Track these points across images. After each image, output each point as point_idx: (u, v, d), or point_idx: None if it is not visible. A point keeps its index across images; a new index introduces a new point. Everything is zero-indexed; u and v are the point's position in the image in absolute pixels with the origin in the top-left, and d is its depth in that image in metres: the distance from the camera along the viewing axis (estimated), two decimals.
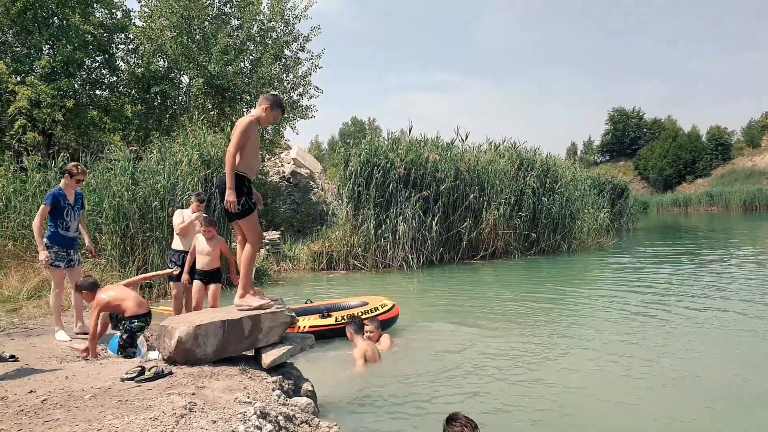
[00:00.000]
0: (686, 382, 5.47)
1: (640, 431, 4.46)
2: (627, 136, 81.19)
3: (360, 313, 7.44)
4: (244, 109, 18.71)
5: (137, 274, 9.90)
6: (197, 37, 17.28)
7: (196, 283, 6.77)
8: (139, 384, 3.85)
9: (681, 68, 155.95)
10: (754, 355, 6.35)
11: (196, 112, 14.08)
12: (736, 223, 36.28)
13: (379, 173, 14.93)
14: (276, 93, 5.56)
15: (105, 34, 16.40)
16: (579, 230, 19.21)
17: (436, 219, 15.15)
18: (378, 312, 7.60)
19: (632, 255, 17.72)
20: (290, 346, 4.57)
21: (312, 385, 4.61)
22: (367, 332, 6.65)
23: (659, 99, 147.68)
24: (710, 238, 24.78)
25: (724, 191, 56.13)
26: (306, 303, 8.18)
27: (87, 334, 5.98)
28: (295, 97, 19.56)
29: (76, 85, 15.89)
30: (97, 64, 16.89)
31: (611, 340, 7.05)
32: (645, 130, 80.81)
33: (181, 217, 7.20)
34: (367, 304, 7.91)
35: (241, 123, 4.52)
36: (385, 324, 7.55)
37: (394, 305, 7.88)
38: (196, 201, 7.29)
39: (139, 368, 4.06)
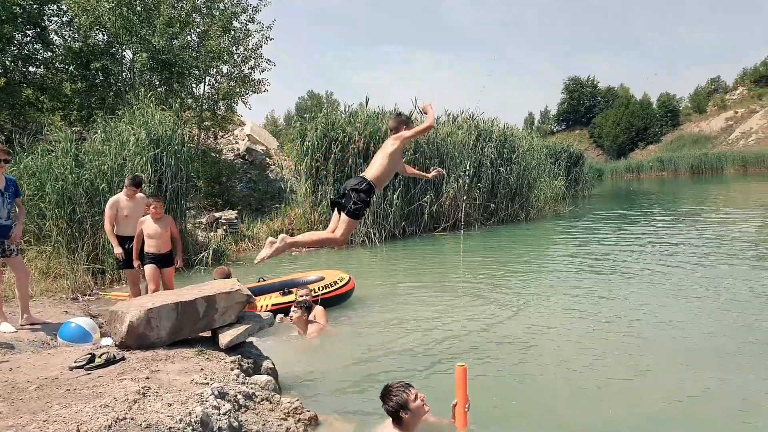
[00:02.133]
0: (644, 333, 5.75)
1: (602, 389, 4.56)
2: (582, 104, 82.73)
3: (319, 288, 7.38)
4: (193, 85, 18.10)
5: (88, 260, 9.57)
6: (138, 8, 16.31)
7: (150, 267, 6.55)
8: (89, 372, 3.73)
9: (635, 38, 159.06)
10: (705, 305, 6.66)
11: (142, 89, 13.41)
12: (684, 187, 37.70)
13: (337, 148, 14.71)
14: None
15: (35, 6, 15.33)
16: (536, 199, 19.52)
17: (397, 193, 15.08)
18: (336, 286, 7.56)
19: (587, 221, 18.25)
20: (248, 326, 4.49)
21: (273, 363, 4.57)
22: (301, 295, 6.63)
23: (614, 69, 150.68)
24: (661, 201, 25.69)
25: (674, 157, 58.11)
26: (259, 281, 8.03)
27: (34, 324, 5.74)
28: (246, 71, 18.99)
29: (6, 62, 14.94)
30: (28, 38, 15.81)
31: (568, 300, 7.19)
32: (599, 98, 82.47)
33: (115, 208, 6.93)
34: (323, 278, 7.85)
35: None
36: (342, 297, 7.61)
37: (350, 279, 7.86)
38: (131, 186, 6.99)
39: (89, 355, 3.91)
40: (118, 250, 6.90)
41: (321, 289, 7.45)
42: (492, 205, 17.48)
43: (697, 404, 4.26)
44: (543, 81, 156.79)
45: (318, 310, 6.62)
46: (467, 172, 16.81)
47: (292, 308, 6.24)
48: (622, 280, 8.63)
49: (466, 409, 3.68)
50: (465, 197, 16.67)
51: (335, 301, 7.56)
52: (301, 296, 6.64)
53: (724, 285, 7.71)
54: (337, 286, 7.64)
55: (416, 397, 3.52)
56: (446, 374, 4.80)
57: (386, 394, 3.58)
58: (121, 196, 7.08)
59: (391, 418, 3.57)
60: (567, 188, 25.10)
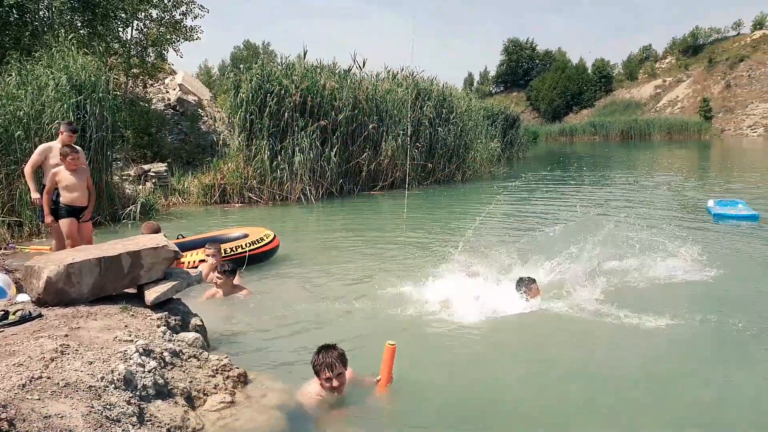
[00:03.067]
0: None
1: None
2: (521, 67, 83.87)
3: (245, 245, 7.31)
4: (119, 29, 17.01)
5: (3, 212, 9.04)
6: None
7: (68, 220, 6.24)
8: (1, 329, 3.56)
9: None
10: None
11: (63, 30, 12.46)
12: (614, 150, 39.41)
13: (272, 101, 14.33)
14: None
15: None
16: (472, 160, 19.85)
17: (334, 150, 14.94)
18: (261, 243, 7.53)
19: (521, 181, 18.77)
20: (175, 282, 4.40)
21: (201, 320, 4.51)
22: (207, 255, 6.50)
23: (553, 32, 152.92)
24: (591, 164, 26.78)
25: (605, 121, 60.31)
26: (178, 238, 7.80)
27: None
28: (177, 17, 18.08)
29: None
30: None
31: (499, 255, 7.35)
32: (537, 61, 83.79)
33: (44, 155, 6.54)
34: (247, 235, 7.77)
35: None
36: (266, 255, 7.60)
37: (274, 236, 7.83)
38: (67, 131, 6.60)
39: (2, 312, 3.73)
40: (35, 195, 6.55)
41: (248, 245, 7.37)
42: (429, 165, 17.65)
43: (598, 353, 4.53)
44: (484, 41, 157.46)
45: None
46: (406, 131, 16.84)
47: (216, 275, 6.02)
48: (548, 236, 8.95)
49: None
50: (403, 156, 16.75)
51: (260, 258, 7.53)
52: (209, 254, 6.48)
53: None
54: (263, 243, 7.59)
55: (328, 379, 3.61)
56: (372, 333, 4.91)
57: (320, 349, 3.71)
58: (54, 144, 6.66)
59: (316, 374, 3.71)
60: (503, 150, 25.67)
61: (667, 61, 76.18)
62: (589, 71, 76.14)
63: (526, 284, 5.75)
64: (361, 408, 3.78)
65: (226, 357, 3.86)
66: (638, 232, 7.36)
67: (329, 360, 3.63)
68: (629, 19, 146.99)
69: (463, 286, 6.14)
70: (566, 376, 4.26)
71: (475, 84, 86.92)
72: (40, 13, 15.48)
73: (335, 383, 3.63)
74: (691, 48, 74.21)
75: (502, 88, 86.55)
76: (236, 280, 6.19)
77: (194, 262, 6.94)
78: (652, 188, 15.65)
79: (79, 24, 15.50)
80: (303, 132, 14.51)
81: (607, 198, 13.87)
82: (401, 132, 16.66)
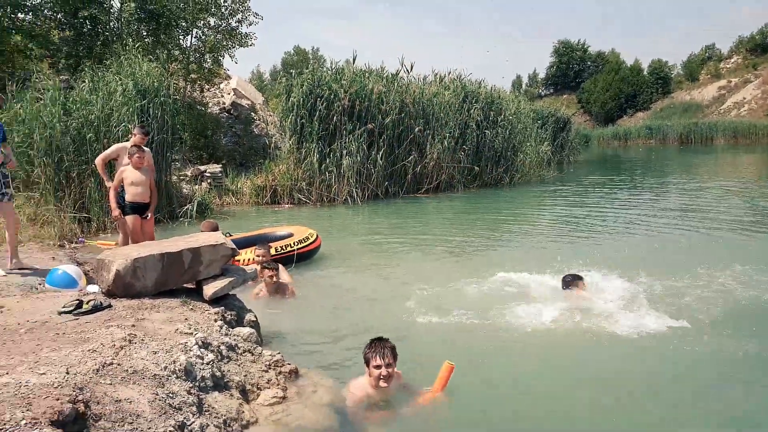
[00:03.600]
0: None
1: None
2: (571, 69, 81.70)
3: (293, 244, 7.54)
4: (180, 37, 17.80)
5: (74, 208, 9.65)
6: None
7: (133, 217, 6.63)
8: (76, 317, 3.85)
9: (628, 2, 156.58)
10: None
11: (130, 40, 13.24)
12: (672, 155, 37.90)
13: (322, 105, 14.64)
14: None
15: None
16: (521, 163, 19.64)
17: (381, 152, 15.13)
18: (307, 242, 7.75)
19: (572, 186, 18.51)
20: (232, 278, 4.61)
21: (255, 316, 4.69)
22: (257, 256, 6.62)
23: (605, 32, 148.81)
24: (648, 169, 25.89)
25: (663, 125, 57.70)
26: (226, 236, 8.08)
27: (23, 269, 5.87)
28: (233, 24, 18.78)
29: None
30: None
31: (547, 261, 7.33)
32: (589, 63, 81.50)
33: (117, 154, 6.96)
34: (292, 234, 8.00)
35: None
36: (310, 254, 7.82)
37: (317, 236, 8.05)
38: (139, 133, 7.01)
39: (77, 301, 4.04)
40: (108, 183, 6.96)
41: (296, 244, 7.62)
42: (476, 168, 17.61)
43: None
44: (533, 42, 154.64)
45: (280, 268, 6.66)
46: (452, 134, 16.86)
47: (262, 271, 6.18)
48: (599, 244, 8.90)
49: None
50: (449, 159, 16.78)
51: (305, 256, 7.76)
52: (258, 255, 6.63)
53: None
54: (309, 242, 7.82)
55: (378, 366, 3.67)
56: (419, 333, 5.01)
57: (373, 340, 3.81)
58: (128, 144, 7.10)
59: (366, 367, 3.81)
60: (553, 153, 25.23)
61: (732, 60, 72.43)
62: (645, 72, 73.44)
63: (569, 282, 5.81)
64: (409, 411, 3.78)
65: (279, 353, 4.01)
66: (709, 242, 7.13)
67: (381, 349, 3.72)
68: (690, 18, 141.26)
69: (514, 289, 6.19)
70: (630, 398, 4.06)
71: (523, 86, 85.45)
72: (111, 24, 16.44)
73: (384, 372, 3.67)
74: (759, 46, 70.24)
75: (552, 91, 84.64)
76: (284, 277, 6.42)
77: (247, 260, 7.22)
78: (719, 196, 14.92)
79: (145, 33, 16.37)
80: (351, 135, 14.78)
81: (672, 205, 13.48)
82: (447, 135, 16.69)
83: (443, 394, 3.82)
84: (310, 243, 7.86)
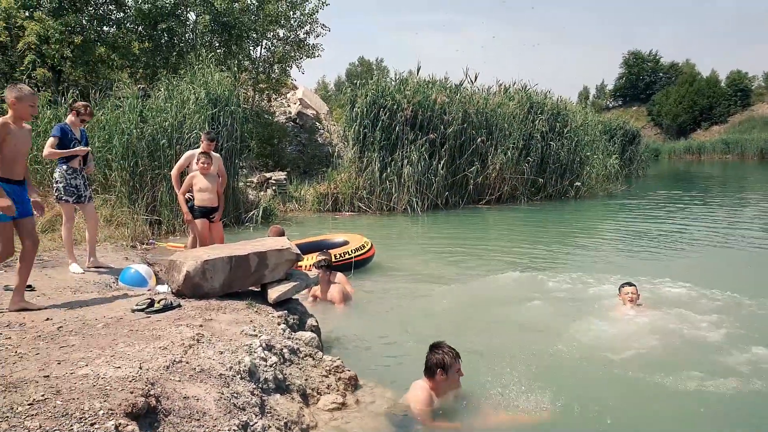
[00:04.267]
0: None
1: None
2: (642, 80, 78.73)
3: (351, 251, 7.60)
4: (250, 48, 18.44)
5: (146, 211, 10.10)
6: None
7: (201, 221, 6.85)
8: (148, 315, 4.01)
9: (702, 9, 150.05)
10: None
11: (203, 50, 13.89)
12: (751, 171, 35.79)
13: (385, 115, 14.77)
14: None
15: None
16: (587, 176, 19.09)
17: (442, 162, 15.08)
18: (364, 250, 7.82)
19: (640, 201, 17.80)
20: (296, 283, 4.69)
21: (316, 321, 4.74)
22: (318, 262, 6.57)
23: (678, 42, 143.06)
24: (723, 186, 24.59)
25: (741, 139, 54.51)
26: None
27: (99, 267, 6.18)
28: (301, 36, 19.29)
29: (83, 21, 15.66)
30: None
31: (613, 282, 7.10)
32: (661, 74, 78.30)
33: (188, 161, 7.21)
34: (348, 242, 8.06)
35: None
36: (365, 262, 7.88)
37: (371, 245, 8.10)
38: (206, 140, 7.24)
39: (149, 300, 4.21)
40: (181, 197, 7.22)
41: (353, 252, 7.69)
42: (540, 180, 17.25)
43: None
44: (601, 53, 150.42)
45: (340, 276, 6.69)
46: (516, 145, 16.59)
47: (317, 257, 6.43)
48: (668, 263, 8.51)
49: None
50: (512, 170, 16.52)
51: (360, 264, 7.81)
52: (320, 261, 6.68)
53: None
54: (364, 250, 7.90)
55: (458, 370, 3.71)
56: (473, 345, 4.93)
57: (436, 347, 3.76)
58: (197, 151, 7.35)
59: (426, 373, 3.74)
60: (621, 167, 24.39)
61: None
62: (723, 84, 69.77)
63: (622, 288, 5.81)
64: (468, 424, 3.71)
65: (339, 359, 4.04)
66: None
67: (448, 356, 3.71)
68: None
69: (575, 305, 6.03)
70: None
71: (590, 97, 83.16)
72: (186, 35, 17.28)
73: (461, 373, 3.72)
74: None
75: (620, 102, 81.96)
76: (345, 287, 6.47)
77: (308, 266, 7.32)
78: None
79: (217, 44, 17.11)
80: (412, 145, 14.81)
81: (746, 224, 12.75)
82: (511, 146, 16.45)
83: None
84: (366, 251, 7.94)
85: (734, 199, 17.91)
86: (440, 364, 3.67)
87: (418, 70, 17.05)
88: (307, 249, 7.66)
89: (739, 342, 4.95)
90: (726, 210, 15.12)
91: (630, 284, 5.86)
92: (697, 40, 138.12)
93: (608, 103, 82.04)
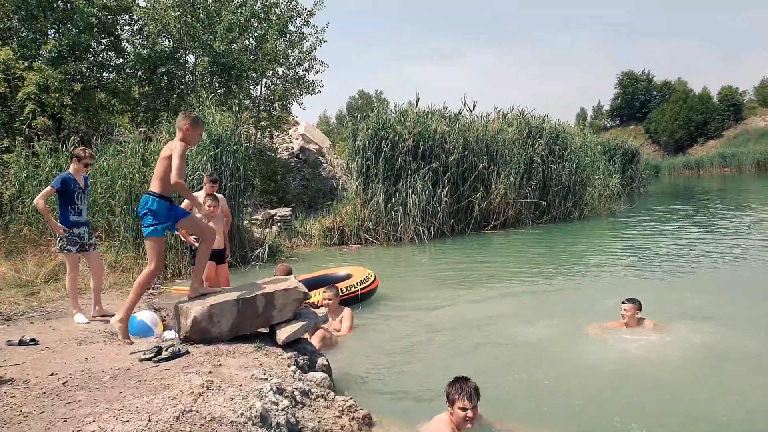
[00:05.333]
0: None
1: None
2: (637, 99, 79.63)
3: (356, 284, 7.55)
4: (250, 87, 18.66)
5: None
6: (201, 15, 17.14)
7: (209, 264, 6.77)
8: (156, 364, 3.93)
9: (689, 28, 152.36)
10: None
11: (204, 92, 14.05)
12: (750, 183, 35.90)
13: (387, 146, 14.84)
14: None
15: (109, 16, 16.28)
16: (590, 197, 19.10)
17: (446, 190, 15.09)
18: (367, 283, 7.75)
19: (642, 219, 17.78)
20: (304, 322, 4.62)
21: (327, 360, 4.66)
22: (325, 299, 6.58)
23: (668, 60, 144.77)
24: (723, 200, 24.60)
25: (737, 152, 55.20)
26: None
27: (105, 316, 6.09)
28: (300, 73, 19.49)
29: (83, 69, 15.86)
30: (102, 46, 16.81)
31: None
32: (655, 93, 79.17)
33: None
34: (351, 275, 8.00)
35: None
36: (369, 294, 7.79)
37: (375, 277, 8.03)
38: (209, 182, 7.24)
39: (157, 348, 4.13)
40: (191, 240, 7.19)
41: (358, 284, 7.62)
42: (544, 203, 17.23)
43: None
44: (596, 74, 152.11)
45: (347, 311, 6.64)
46: (518, 169, 16.64)
47: (323, 293, 6.50)
48: (680, 281, 8.41)
49: None
50: (515, 194, 16.52)
51: (364, 297, 7.71)
52: (327, 298, 6.63)
53: None
54: (368, 282, 7.83)
55: (464, 408, 3.57)
56: (488, 374, 4.82)
57: (457, 380, 3.70)
58: (201, 194, 7.36)
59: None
60: (622, 186, 24.41)
61: None
62: (715, 100, 70.48)
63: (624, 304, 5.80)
64: None
65: (351, 398, 3.95)
66: None
67: (468, 389, 3.61)
68: (759, 42, 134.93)
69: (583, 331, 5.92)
70: None
71: (588, 118, 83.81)
72: (186, 78, 17.51)
73: (470, 414, 3.57)
74: None
75: (617, 122, 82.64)
76: (345, 313, 6.47)
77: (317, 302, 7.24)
78: None
79: (217, 85, 17.31)
80: (416, 175, 14.85)
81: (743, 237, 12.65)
82: (513, 170, 16.49)
83: None
84: (370, 283, 7.88)
85: (736, 211, 17.88)
86: (447, 396, 3.66)
87: (417, 101, 17.24)
88: (309, 284, 7.58)
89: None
90: (728, 222, 15.09)
91: (629, 300, 5.83)
92: (688, 58, 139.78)
93: (606, 123, 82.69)
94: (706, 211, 19.03)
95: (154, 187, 4.55)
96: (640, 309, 5.78)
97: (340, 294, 7.19)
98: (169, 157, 4.45)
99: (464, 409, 3.57)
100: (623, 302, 5.84)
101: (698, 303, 6.84)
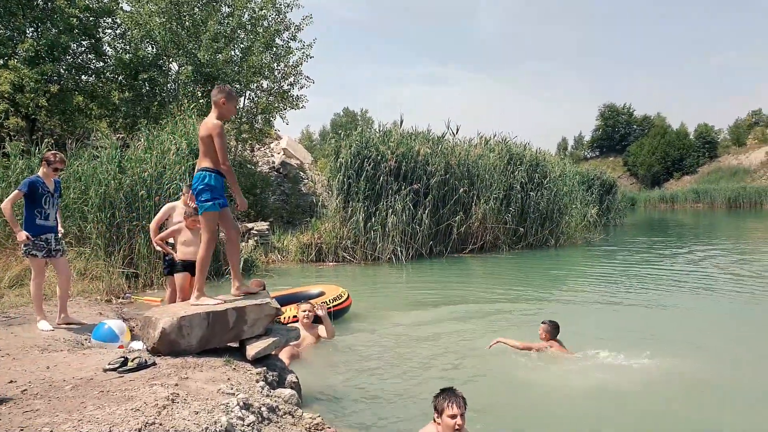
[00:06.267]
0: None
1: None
2: (617, 132, 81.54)
3: (329, 302, 7.51)
4: None
5: (123, 264, 9.83)
6: (187, 23, 17.04)
7: (182, 275, 6.66)
8: (121, 375, 3.84)
9: (671, 66, 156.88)
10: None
11: (186, 101, 13.90)
12: (720, 219, 36.78)
13: (369, 165, 14.88)
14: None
15: (91, 18, 16.08)
16: (567, 225, 19.30)
17: (426, 212, 15.14)
18: (340, 300, 7.76)
19: (618, 249, 18.04)
20: (275, 338, 4.56)
21: (296, 377, 4.63)
22: (303, 310, 6.58)
23: (649, 96, 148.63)
24: (696, 234, 25.11)
25: (710, 189, 56.73)
26: None
27: (70, 324, 5.93)
28: (285, 87, 19.42)
29: (61, 70, 15.60)
30: (83, 48, 16.56)
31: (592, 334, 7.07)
32: (635, 126, 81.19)
33: (168, 214, 7.09)
34: (324, 293, 7.98)
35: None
36: (342, 312, 7.81)
37: (348, 295, 8.05)
38: (188, 192, 7.13)
39: (122, 359, 4.04)
40: (158, 248, 7.07)
41: (331, 301, 7.60)
42: (521, 229, 17.37)
43: None
44: (579, 106, 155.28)
45: (321, 328, 6.59)
46: (497, 195, 16.79)
47: (301, 311, 6.51)
48: (641, 313, 8.53)
49: None
50: (494, 220, 16.64)
51: (336, 315, 7.65)
52: (304, 311, 6.63)
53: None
54: (341, 300, 7.83)
55: (453, 416, 3.52)
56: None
57: (444, 390, 3.67)
58: (177, 204, 7.24)
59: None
60: (599, 216, 24.77)
61: None
62: (691, 136, 72.54)
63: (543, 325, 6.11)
64: None
65: (319, 416, 3.92)
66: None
67: (456, 398, 3.58)
68: (735, 83, 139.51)
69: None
70: None
71: (569, 148, 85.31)
72: (168, 85, 17.34)
73: (460, 421, 3.52)
74: None
75: (597, 153, 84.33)
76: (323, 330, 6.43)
77: (290, 317, 7.15)
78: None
79: (200, 94, 17.12)
80: (396, 195, 14.89)
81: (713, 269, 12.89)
82: (492, 196, 16.63)
83: None
84: (343, 301, 7.88)
85: (707, 248, 18.21)
86: (435, 407, 3.62)
87: (401, 122, 17.35)
88: (282, 301, 7.49)
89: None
90: (698, 256, 15.43)
91: (543, 322, 6.19)
92: (668, 94, 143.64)
93: (586, 153, 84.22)
94: (676, 245, 19.42)
95: (207, 163, 4.52)
96: (555, 331, 6.08)
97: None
98: (209, 137, 4.44)
99: (453, 416, 3.52)
100: (542, 322, 6.18)
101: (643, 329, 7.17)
